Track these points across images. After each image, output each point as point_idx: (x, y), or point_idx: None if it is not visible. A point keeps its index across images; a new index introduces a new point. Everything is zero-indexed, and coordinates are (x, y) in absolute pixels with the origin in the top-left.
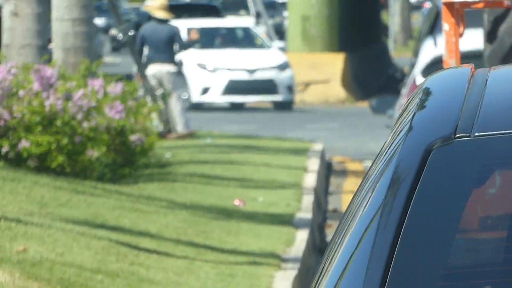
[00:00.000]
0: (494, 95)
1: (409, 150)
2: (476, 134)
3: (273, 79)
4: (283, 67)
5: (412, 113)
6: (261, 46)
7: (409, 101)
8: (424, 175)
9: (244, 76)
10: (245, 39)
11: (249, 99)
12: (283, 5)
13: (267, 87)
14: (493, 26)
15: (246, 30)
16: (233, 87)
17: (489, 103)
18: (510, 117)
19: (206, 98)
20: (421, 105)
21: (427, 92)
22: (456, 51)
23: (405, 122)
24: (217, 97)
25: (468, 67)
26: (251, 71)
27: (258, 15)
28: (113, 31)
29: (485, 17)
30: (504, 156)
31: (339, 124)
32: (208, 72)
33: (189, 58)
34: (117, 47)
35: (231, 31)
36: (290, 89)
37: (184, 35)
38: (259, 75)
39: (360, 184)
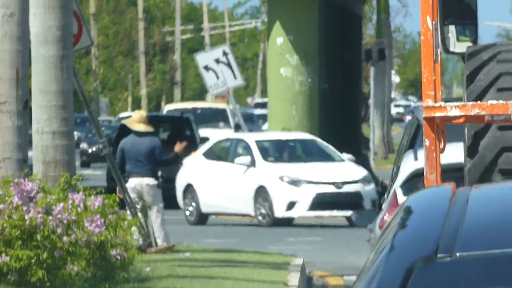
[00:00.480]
0: (476, 215)
1: (391, 270)
2: (458, 254)
3: (359, 192)
4: (366, 180)
5: (394, 232)
6: (333, 158)
7: (390, 219)
8: None
9: (331, 190)
10: (313, 151)
11: (335, 213)
12: (261, 117)
13: (354, 200)
14: (473, 141)
15: (313, 142)
16: (320, 201)
17: (470, 223)
18: (491, 237)
19: (292, 213)
20: (403, 224)
21: (408, 211)
22: (437, 167)
23: (387, 241)
24: (303, 211)
25: (449, 186)
26: (338, 185)
27: (237, 128)
28: (83, 145)
29: (466, 132)
30: (485, 276)
31: (319, 237)
32: (292, 186)
33: (269, 171)
34: (87, 161)
35: (297, 143)
36: (374, 202)
37: (254, 148)
38: (346, 189)
39: None
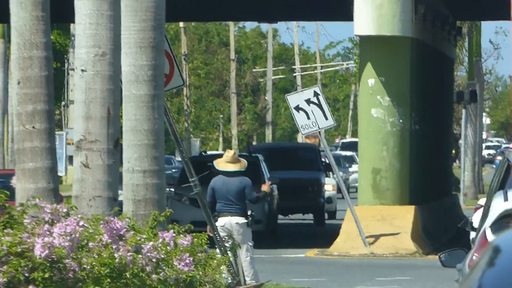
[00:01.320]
0: None
1: None
2: None
3: None
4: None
5: (482, 271)
6: None
7: (479, 258)
8: None
9: None
10: None
11: None
12: (347, 159)
13: None
14: None
15: None
16: None
17: None
18: None
19: None
20: (491, 263)
21: (496, 250)
22: None
23: (475, 280)
24: None
25: None
26: None
27: (327, 167)
28: None
29: None
30: None
31: (409, 277)
32: None
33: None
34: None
35: None
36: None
37: None
38: None
39: None
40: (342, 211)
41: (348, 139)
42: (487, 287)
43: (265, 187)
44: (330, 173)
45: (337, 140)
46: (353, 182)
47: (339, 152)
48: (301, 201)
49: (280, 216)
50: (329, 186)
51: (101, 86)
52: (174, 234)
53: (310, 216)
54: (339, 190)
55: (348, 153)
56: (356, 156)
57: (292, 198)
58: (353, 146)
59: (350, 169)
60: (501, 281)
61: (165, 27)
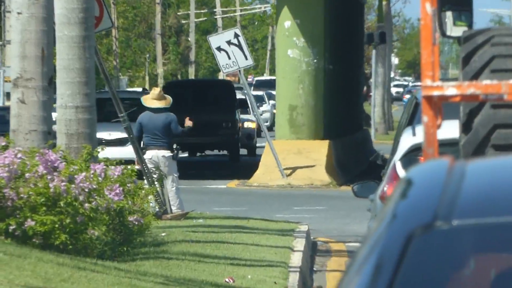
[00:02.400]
0: (472, 185)
1: (392, 237)
2: (455, 222)
3: None
4: None
5: (395, 202)
6: None
7: (393, 190)
8: (405, 261)
9: None
10: None
11: None
12: (258, 98)
13: None
14: (468, 118)
15: None
16: None
17: (467, 193)
18: (487, 205)
19: None
20: (403, 195)
21: (408, 183)
22: (434, 142)
23: (388, 211)
24: None
25: (447, 159)
26: None
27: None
28: None
29: (461, 109)
30: (481, 243)
31: (323, 206)
32: None
33: None
34: None
35: None
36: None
37: None
38: None
39: (347, 267)
40: (261, 148)
41: (264, 77)
42: (400, 217)
43: (187, 123)
44: (250, 110)
45: (250, 78)
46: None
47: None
48: (215, 137)
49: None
50: (249, 124)
51: (35, 28)
52: (104, 166)
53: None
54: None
55: (259, 92)
56: (265, 96)
57: (207, 135)
58: (267, 84)
59: (261, 108)
60: (412, 211)
61: None
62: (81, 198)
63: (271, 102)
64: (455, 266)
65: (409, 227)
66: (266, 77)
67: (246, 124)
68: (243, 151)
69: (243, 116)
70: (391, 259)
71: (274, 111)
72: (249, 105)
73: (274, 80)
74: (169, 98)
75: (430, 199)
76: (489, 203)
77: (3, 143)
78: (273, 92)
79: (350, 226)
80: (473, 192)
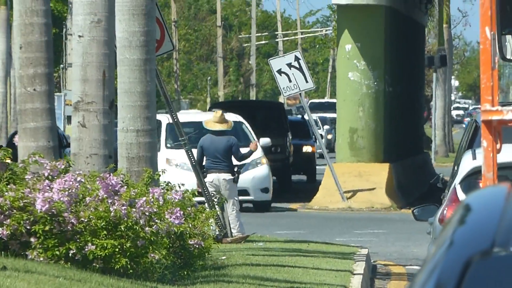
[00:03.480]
0: None
1: (450, 263)
2: None
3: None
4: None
5: (453, 228)
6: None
7: (451, 216)
8: (463, 287)
9: None
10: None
11: None
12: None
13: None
14: None
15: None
16: None
17: None
18: None
19: None
20: (461, 220)
21: (467, 208)
22: (494, 166)
23: (447, 236)
24: None
25: (505, 185)
26: None
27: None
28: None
29: None
30: None
31: (384, 230)
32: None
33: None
34: None
35: None
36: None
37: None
38: None
39: None
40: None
41: (318, 100)
42: (458, 243)
43: (252, 146)
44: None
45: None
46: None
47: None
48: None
49: None
50: (308, 147)
51: (96, 51)
52: (163, 190)
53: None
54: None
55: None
56: (318, 121)
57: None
58: (321, 107)
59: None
60: (470, 238)
61: None
62: (141, 221)
63: (326, 127)
64: None
65: (467, 253)
66: (320, 99)
67: (305, 148)
68: (303, 177)
69: (301, 141)
70: (449, 285)
71: (329, 136)
72: (309, 128)
73: (328, 103)
74: (231, 122)
75: (488, 225)
76: None
77: (63, 166)
78: (327, 115)
79: (410, 249)
80: None
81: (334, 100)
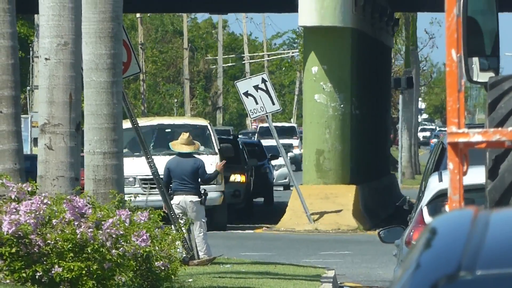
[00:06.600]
0: (496, 236)
1: (416, 286)
2: (479, 272)
3: None
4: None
5: (419, 251)
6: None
7: (417, 239)
8: None
9: None
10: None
11: None
12: (270, 149)
13: None
14: (494, 164)
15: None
16: None
17: (491, 243)
18: (510, 256)
19: None
20: (427, 244)
21: (433, 232)
22: (460, 189)
23: (413, 259)
24: None
25: (471, 209)
26: None
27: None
28: None
29: (487, 156)
30: None
31: (350, 251)
32: None
33: None
34: None
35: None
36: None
37: None
38: None
39: None
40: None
41: (274, 123)
42: (424, 266)
43: (218, 166)
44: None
45: (254, 126)
46: (278, 179)
47: (257, 140)
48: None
49: None
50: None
51: (63, 73)
52: (129, 212)
53: None
54: None
55: (270, 142)
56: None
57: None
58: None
59: (273, 162)
60: (437, 261)
61: (122, 17)
62: (108, 244)
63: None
64: None
65: (434, 277)
66: (275, 123)
67: (262, 170)
68: (260, 199)
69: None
70: None
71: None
72: (264, 151)
73: (281, 127)
74: (198, 143)
75: (454, 249)
76: None
77: (29, 189)
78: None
79: (376, 271)
80: (497, 242)
81: (287, 124)
